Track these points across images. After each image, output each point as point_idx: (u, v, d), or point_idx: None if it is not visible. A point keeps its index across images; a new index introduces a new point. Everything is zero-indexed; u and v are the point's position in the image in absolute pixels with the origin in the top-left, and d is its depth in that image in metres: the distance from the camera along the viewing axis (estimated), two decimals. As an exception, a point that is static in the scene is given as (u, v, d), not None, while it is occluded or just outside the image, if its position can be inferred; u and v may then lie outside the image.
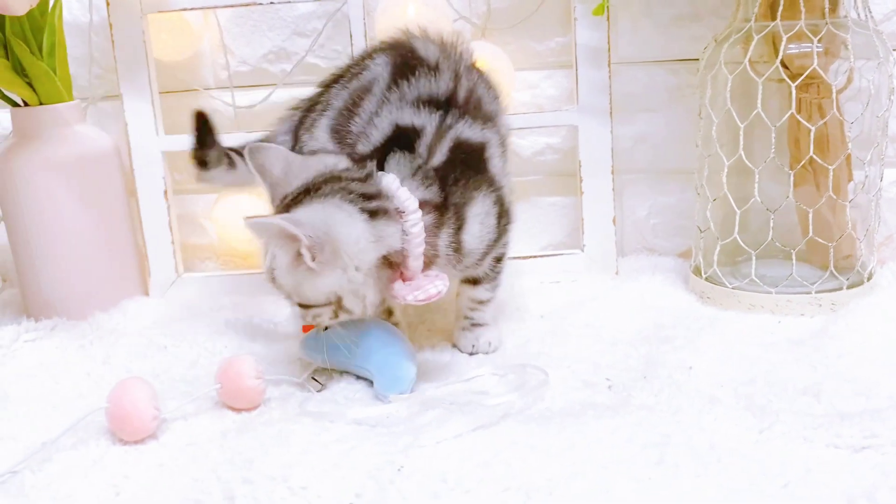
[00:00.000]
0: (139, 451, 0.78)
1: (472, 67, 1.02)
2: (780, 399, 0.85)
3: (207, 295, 1.32)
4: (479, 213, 0.95)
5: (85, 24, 1.40)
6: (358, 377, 0.98)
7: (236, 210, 1.39)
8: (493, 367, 0.95)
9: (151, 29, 1.30)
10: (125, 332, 1.17)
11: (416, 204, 0.89)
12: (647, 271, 1.30)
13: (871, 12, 1.10)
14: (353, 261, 0.85)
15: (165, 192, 1.32)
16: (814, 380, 0.88)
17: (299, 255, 0.84)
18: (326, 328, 0.99)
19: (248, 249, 1.45)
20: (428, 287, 0.90)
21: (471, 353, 1.05)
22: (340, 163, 0.92)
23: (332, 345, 0.98)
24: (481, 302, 1.06)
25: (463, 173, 0.94)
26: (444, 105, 0.95)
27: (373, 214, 0.86)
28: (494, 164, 0.99)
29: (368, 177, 0.89)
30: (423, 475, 0.69)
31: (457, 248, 0.93)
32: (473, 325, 1.06)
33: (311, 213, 0.85)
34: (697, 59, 1.27)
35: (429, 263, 0.92)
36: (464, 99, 0.97)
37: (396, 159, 0.93)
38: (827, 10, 1.07)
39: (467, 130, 0.96)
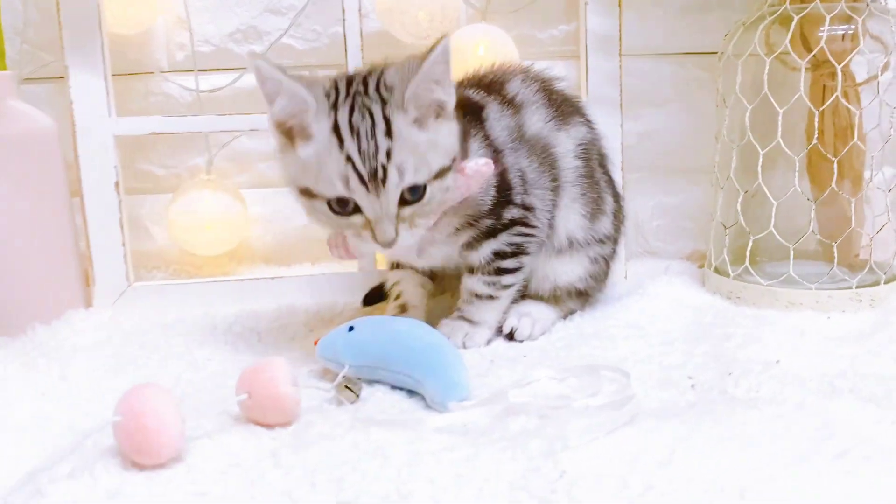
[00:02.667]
0: (167, 477, 0.59)
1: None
2: (886, 389, 0.76)
3: (165, 306, 1.12)
4: (475, 151, 0.91)
5: (11, -10, 1.19)
6: (393, 386, 0.82)
7: (194, 211, 1.20)
8: (549, 370, 0.82)
9: (104, -7, 1.11)
10: (78, 346, 0.96)
11: None
12: (659, 273, 1.21)
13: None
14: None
15: (117, 185, 1.12)
16: (908, 370, 0.81)
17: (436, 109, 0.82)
18: (352, 328, 0.84)
19: (205, 256, 1.26)
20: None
21: None
22: None
23: (359, 346, 0.83)
24: (477, 295, 0.97)
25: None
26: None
27: None
28: (492, 125, 0.95)
29: None
30: (594, 478, 0.55)
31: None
32: (461, 317, 0.97)
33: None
34: (707, 53, 1.23)
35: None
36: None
37: None
38: (866, -6, 1.03)
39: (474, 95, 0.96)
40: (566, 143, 1.00)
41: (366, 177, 0.80)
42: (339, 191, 0.81)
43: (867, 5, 1.03)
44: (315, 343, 0.88)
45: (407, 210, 0.82)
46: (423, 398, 0.79)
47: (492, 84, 1.00)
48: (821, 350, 0.89)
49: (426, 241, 0.93)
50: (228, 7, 1.22)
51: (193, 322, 1.03)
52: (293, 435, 0.67)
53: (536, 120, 0.98)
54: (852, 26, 1.02)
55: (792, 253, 1.05)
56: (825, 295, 1.05)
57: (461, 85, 1.00)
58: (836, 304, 1.04)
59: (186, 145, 1.26)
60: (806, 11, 1.02)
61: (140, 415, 0.59)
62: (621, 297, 1.11)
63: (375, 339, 0.83)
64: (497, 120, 0.95)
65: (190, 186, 1.21)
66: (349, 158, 0.80)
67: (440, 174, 0.83)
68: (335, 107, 0.81)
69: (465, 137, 0.90)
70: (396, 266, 1.05)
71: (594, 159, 1.03)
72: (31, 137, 1.03)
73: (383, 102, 0.81)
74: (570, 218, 0.99)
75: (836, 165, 1.04)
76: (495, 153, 0.93)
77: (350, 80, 0.84)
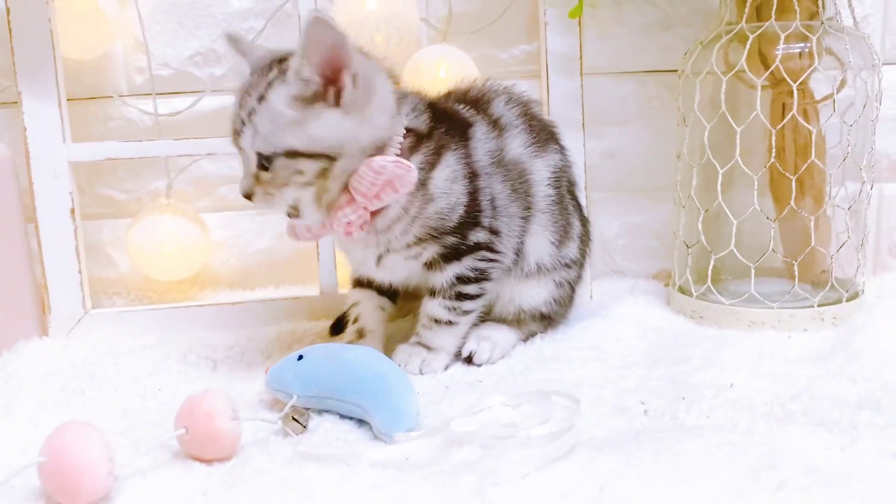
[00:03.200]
0: (91, 519, 0.58)
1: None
2: (839, 413, 0.76)
3: (122, 333, 1.10)
4: (448, 163, 0.90)
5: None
6: (342, 415, 0.80)
7: (154, 237, 1.18)
8: (503, 396, 0.81)
9: (58, 18, 1.10)
10: (26, 378, 0.94)
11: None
12: (624, 293, 1.20)
13: (856, 19, 1.07)
14: (376, 117, 0.84)
15: (72, 211, 1.10)
16: (862, 392, 0.80)
17: (325, 87, 0.81)
18: (301, 357, 0.83)
19: (167, 281, 1.24)
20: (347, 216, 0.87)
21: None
22: None
23: (308, 377, 0.82)
24: (436, 321, 0.96)
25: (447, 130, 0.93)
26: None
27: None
28: (477, 145, 0.95)
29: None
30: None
31: (424, 181, 0.88)
32: (419, 343, 0.96)
33: (357, 53, 0.83)
34: (668, 71, 1.23)
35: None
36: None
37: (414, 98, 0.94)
38: (822, 12, 1.03)
39: (463, 111, 0.97)
40: (542, 171, 0.99)
41: (233, 129, 0.86)
42: (230, 138, 0.88)
43: (822, 24, 1.03)
44: (266, 371, 0.87)
45: (263, 175, 0.85)
46: (371, 428, 0.78)
47: (477, 101, 1.00)
48: (778, 371, 0.88)
49: (375, 245, 0.92)
50: (188, 30, 1.21)
51: (148, 351, 1.01)
52: (229, 471, 0.65)
53: (517, 145, 0.98)
54: (808, 45, 1.02)
55: (753, 272, 1.05)
56: (787, 314, 1.04)
57: (448, 97, 1.00)
58: (798, 322, 1.04)
59: (146, 169, 1.25)
60: (761, 30, 1.02)
61: (63, 455, 0.58)
62: (584, 318, 1.10)
63: (324, 369, 0.82)
64: (483, 141, 0.95)
65: (149, 211, 1.20)
66: (234, 113, 0.86)
67: (291, 154, 0.83)
68: (253, 73, 0.86)
69: (437, 151, 0.90)
70: (358, 284, 1.04)
71: (564, 186, 1.02)
72: (-18, 165, 1.02)
73: (280, 73, 0.83)
74: (540, 245, 0.99)
75: (794, 183, 1.03)
76: (471, 174, 0.92)
77: (276, 58, 0.87)
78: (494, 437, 0.68)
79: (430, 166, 0.89)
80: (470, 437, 0.69)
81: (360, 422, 0.79)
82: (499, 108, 1.00)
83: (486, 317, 1.02)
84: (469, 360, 0.97)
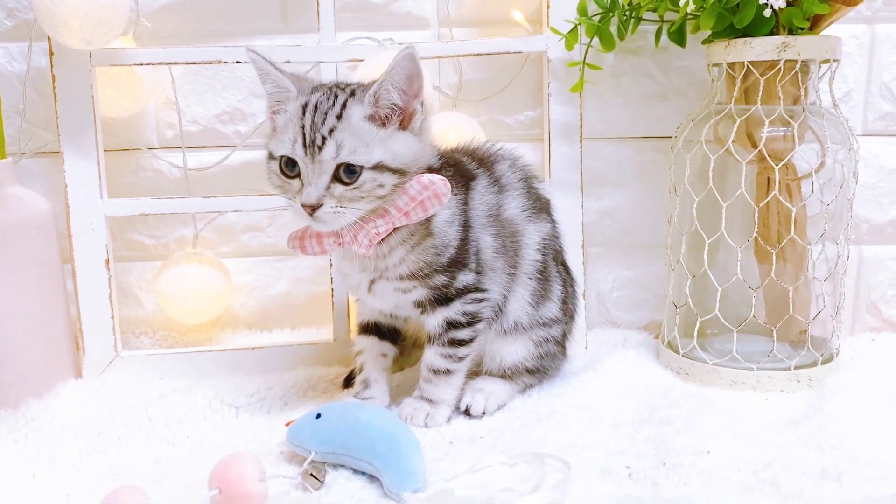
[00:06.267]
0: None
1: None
2: (803, 484, 0.84)
3: (149, 376, 1.19)
4: (448, 206, 0.98)
5: (10, 72, 1.26)
6: (355, 471, 0.89)
7: (182, 284, 1.27)
8: (502, 455, 0.90)
9: (99, 83, 1.19)
10: (66, 422, 1.03)
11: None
12: (617, 346, 1.29)
13: (836, 102, 1.16)
14: (428, 144, 0.97)
15: (107, 262, 1.19)
16: (828, 462, 0.88)
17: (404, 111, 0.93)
18: (319, 416, 0.92)
19: (193, 323, 1.33)
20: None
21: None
22: None
23: (325, 434, 0.90)
24: (434, 371, 1.04)
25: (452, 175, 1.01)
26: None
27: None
28: (475, 196, 1.03)
29: None
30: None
31: (429, 220, 0.98)
32: (422, 397, 1.04)
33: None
34: (663, 137, 1.32)
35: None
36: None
37: None
38: (803, 97, 1.12)
39: (468, 162, 1.07)
40: (533, 236, 1.08)
41: (307, 142, 0.92)
42: (287, 150, 0.93)
43: (804, 109, 1.11)
44: (287, 425, 0.96)
45: (338, 188, 0.92)
46: (381, 484, 0.86)
47: (483, 159, 1.09)
48: (754, 437, 0.96)
49: (370, 270, 1.00)
50: (216, 91, 1.30)
51: (176, 396, 1.10)
52: (257, 531, 0.74)
53: (514, 206, 1.06)
54: (790, 129, 1.10)
55: (735, 336, 1.13)
56: (766, 375, 1.12)
57: (455, 151, 1.10)
58: (775, 384, 1.12)
59: (174, 218, 1.34)
60: (748, 114, 1.11)
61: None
62: (579, 371, 1.18)
63: (340, 428, 0.90)
64: (482, 194, 1.03)
65: (177, 259, 1.29)
66: (302, 127, 0.92)
67: (378, 168, 0.92)
68: (312, 93, 0.95)
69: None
70: (362, 330, 1.12)
71: (550, 254, 1.11)
72: (29, 222, 1.10)
73: (350, 94, 0.93)
74: (519, 305, 1.07)
75: (774, 257, 1.12)
76: (465, 223, 1.00)
77: (334, 84, 0.98)
78: (494, 503, 0.77)
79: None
80: (471, 502, 0.78)
81: (372, 477, 0.88)
82: (502, 168, 1.09)
83: (478, 371, 1.10)
84: (467, 412, 1.05)
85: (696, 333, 1.16)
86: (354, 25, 1.27)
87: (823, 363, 1.14)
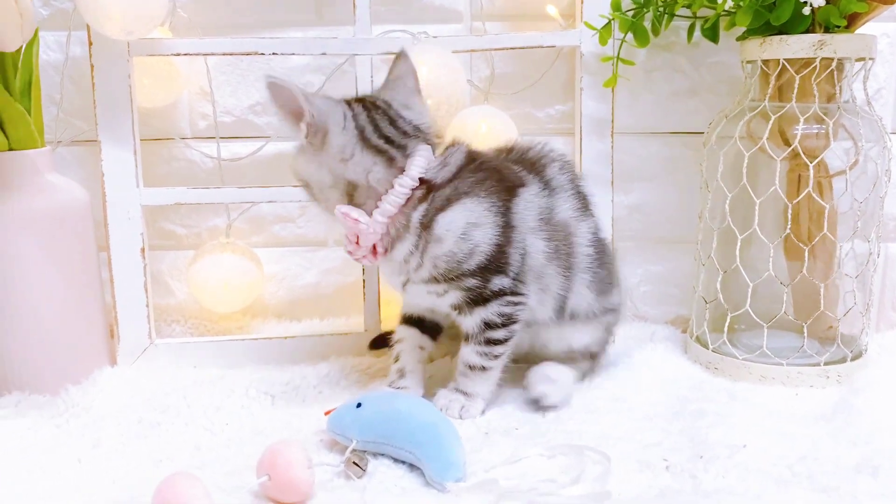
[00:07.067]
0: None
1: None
2: (839, 479, 0.85)
3: (183, 364, 1.21)
4: (470, 210, 0.98)
5: (46, 62, 1.27)
6: (395, 459, 0.91)
7: (215, 271, 1.29)
8: (539, 447, 0.91)
9: (136, 72, 1.20)
10: (105, 409, 1.04)
11: (416, 178, 0.98)
12: (645, 340, 1.30)
13: (869, 99, 1.16)
14: (330, 161, 0.97)
15: (142, 250, 1.20)
16: (861, 456, 0.89)
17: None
18: (359, 405, 0.93)
19: (225, 312, 1.35)
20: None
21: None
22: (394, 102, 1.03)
23: (365, 423, 0.92)
24: (470, 367, 1.04)
25: (481, 179, 1.01)
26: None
27: (368, 145, 0.98)
28: (521, 201, 1.03)
29: (405, 133, 1.00)
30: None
31: (427, 224, 0.98)
32: (457, 389, 1.05)
33: (324, 102, 0.97)
34: (693, 133, 1.32)
35: (398, 236, 0.99)
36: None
37: (452, 151, 1.03)
38: (838, 95, 1.12)
39: (516, 171, 1.06)
40: (585, 234, 1.09)
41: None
42: None
43: (839, 108, 1.12)
44: (326, 414, 0.97)
45: None
46: (422, 473, 0.88)
47: (534, 163, 1.09)
48: (786, 431, 0.97)
49: (399, 273, 1.02)
50: (250, 82, 1.31)
51: (212, 385, 1.11)
52: (307, 518, 0.76)
53: (567, 208, 1.07)
54: (824, 126, 1.11)
55: (766, 331, 1.14)
56: (795, 371, 1.13)
57: (508, 153, 1.11)
58: (805, 379, 1.13)
59: (206, 207, 1.35)
60: (783, 111, 1.11)
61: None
62: (609, 365, 1.19)
63: (380, 417, 0.91)
64: (529, 200, 1.03)
65: (210, 249, 1.30)
66: None
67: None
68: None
69: (448, 198, 0.99)
70: (405, 320, 1.13)
71: (601, 246, 1.11)
72: (67, 210, 1.11)
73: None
74: (580, 299, 1.08)
75: (806, 253, 1.12)
76: (505, 225, 1.00)
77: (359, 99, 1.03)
78: (537, 493, 0.78)
79: (436, 209, 0.98)
80: (516, 493, 0.79)
81: (412, 467, 0.89)
82: (553, 171, 1.09)
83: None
84: (537, 402, 1.05)
85: (726, 328, 1.17)
86: (387, 18, 1.28)
87: (853, 359, 1.15)
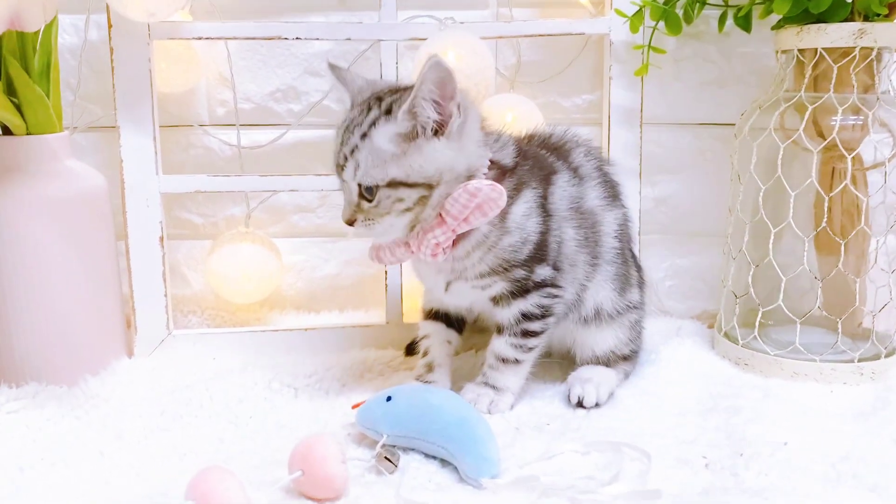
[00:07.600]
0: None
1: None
2: (887, 477, 0.83)
3: (202, 355, 1.18)
4: (527, 200, 0.97)
5: (62, 45, 1.24)
6: (426, 455, 0.88)
7: (234, 261, 1.26)
8: (573, 443, 0.89)
9: (155, 57, 1.17)
10: (125, 400, 1.02)
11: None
12: (672, 335, 1.27)
13: (905, 90, 1.14)
14: (469, 146, 0.92)
15: (161, 239, 1.18)
16: (906, 455, 0.87)
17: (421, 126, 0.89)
18: (389, 398, 0.91)
19: (243, 303, 1.32)
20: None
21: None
22: None
23: (396, 417, 0.89)
24: (503, 360, 1.02)
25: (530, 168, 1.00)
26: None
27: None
28: (557, 189, 1.01)
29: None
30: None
31: (503, 216, 0.95)
32: (486, 383, 1.03)
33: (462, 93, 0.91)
34: (723, 124, 1.30)
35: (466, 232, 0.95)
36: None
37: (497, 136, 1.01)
38: (876, 85, 1.10)
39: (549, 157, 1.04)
40: (611, 224, 1.07)
41: (336, 162, 0.95)
42: (332, 167, 0.96)
43: (878, 98, 1.09)
44: (354, 407, 0.95)
45: (365, 205, 0.93)
46: (455, 469, 0.85)
47: (558, 148, 1.07)
48: (824, 428, 0.95)
49: (448, 272, 0.99)
50: (270, 68, 1.28)
51: (233, 377, 1.08)
52: (343, 513, 0.73)
53: (594, 196, 1.05)
54: (862, 117, 1.08)
55: (798, 327, 1.12)
56: (829, 367, 1.11)
57: (530, 140, 1.08)
58: (838, 376, 1.11)
59: (223, 197, 1.32)
60: (820, 102, 1.08)
61: (209, 499, 0.65)
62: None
63: (411, 411, 0.89)
64: (564, 188, 1.02)
65: (229, 238, 1.27)
66: (338, 146, 0.95)
67: (392, 184, 0.91)
68: (353, 108, 0.96)
69: (517, 186, 0.97)
70: (428, 315, 1.11)
71: (625, 241, 1.10)
72: (84, 196, 1.08)
73: (386, 111, 0.91)
74: (605, 294, 1.06)
75: (843, 248, 1.10)
76: (546, 214, 0.99)
77: (377, 95, 0.96)
78: (578, 491, 0.76)
79: (510, 200, 0.95)
80: (556, 489, 0.76)
81: (444, 462, 0.87)
82: (578, 157, 1.07)
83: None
84: (580, 403, 1.02)
85: (757, 323, 1.15)
86: (413, 4, 1.25)
87: (887, 356, 1.13)
